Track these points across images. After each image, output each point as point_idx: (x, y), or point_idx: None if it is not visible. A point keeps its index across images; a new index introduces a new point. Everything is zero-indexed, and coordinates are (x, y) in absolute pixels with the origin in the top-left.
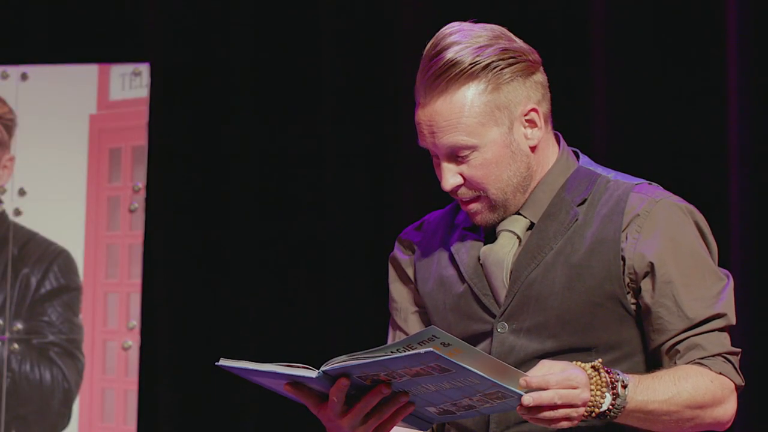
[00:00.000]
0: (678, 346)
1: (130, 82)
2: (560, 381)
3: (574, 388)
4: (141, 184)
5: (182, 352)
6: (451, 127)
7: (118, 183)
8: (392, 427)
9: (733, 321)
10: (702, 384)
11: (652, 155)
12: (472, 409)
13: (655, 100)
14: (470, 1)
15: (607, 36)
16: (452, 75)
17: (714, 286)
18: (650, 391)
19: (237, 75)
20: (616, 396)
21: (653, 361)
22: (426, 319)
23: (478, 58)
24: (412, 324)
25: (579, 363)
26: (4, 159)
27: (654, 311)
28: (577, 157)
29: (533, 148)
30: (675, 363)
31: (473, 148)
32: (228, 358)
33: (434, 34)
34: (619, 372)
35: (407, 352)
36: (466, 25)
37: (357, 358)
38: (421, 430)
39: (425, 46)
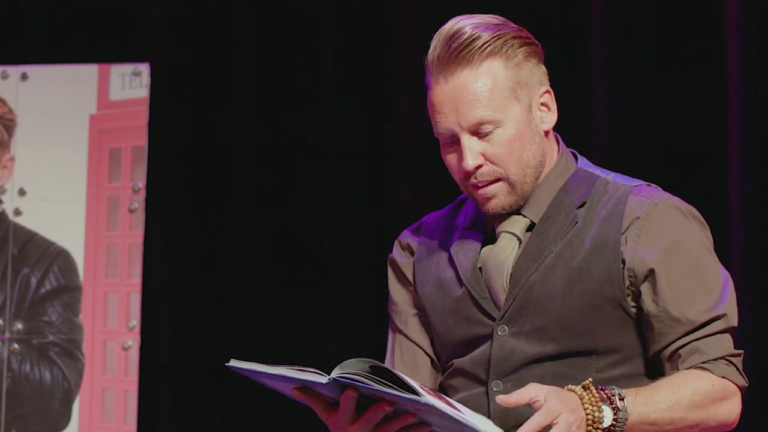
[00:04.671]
0: (680, 351)
1: (130, 82)
2: (539, 421)
3: (556, 418)
4: (141, 184)
5: (182, 352)
6: (477, 102)
7: (118, 183)
8: None
9: (735, 322)
10: (701, 388)
11: (652, 156)
12: None
13: (655, 101)
14: (470, 1)
15: (607, 36)
16: (475, 48)
17: (714, 289)
18: (650, 401)
19: (237, 75)
20: (617, 410)
21: (654, 365)
22: (426, 321)
23: (498, 33)
24: (413, 326)
25: (570, 387)
26: (4, 159)
27: (654, 315)
28: (576, 158)
29: (546, 134)
30: (677, 368)
31: (498, 123)
32: (231, 358)
33: (436, 31)
34: (614, 387)
35: (410, 396)
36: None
37: (365, 378)
38: None
39: (427, 42)
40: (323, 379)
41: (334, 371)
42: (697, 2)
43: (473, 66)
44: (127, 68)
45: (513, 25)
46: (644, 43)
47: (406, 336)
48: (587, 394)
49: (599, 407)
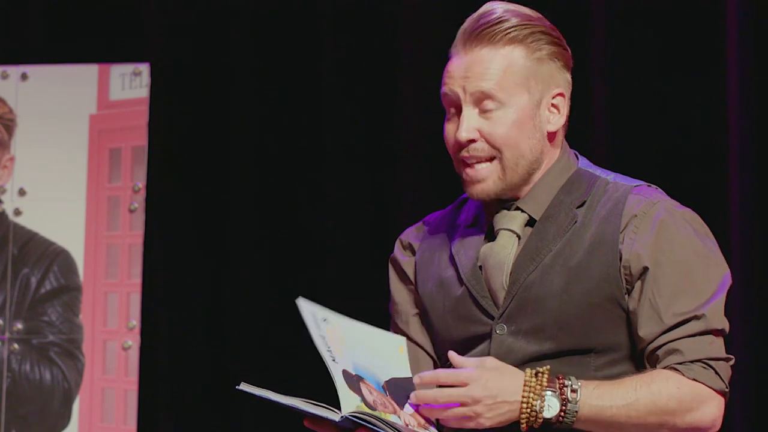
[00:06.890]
0: (658, 351)
1: (130, 82)
2: (448, 376)
3: (463, 385)
4: (141, 184)
5: (182, 352)
6: (486, 75)
7: (118, 183)
8: None
9: (717, 325)
10: (665, 390)
11: (652, 156)
12: None
13: (656, 101)
14: (470, 2)
15: (608, 37)
16: (499, 30)
17: (703, 292)
18: (607, 396)
19: (237, 74)
20: (566, 401)
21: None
22: (427, 321)
23: (526, 23)
24: (414, 326)
25: (530, 370)
26: (4, 159)
27: (637, 313)
28: (577, 158)
29: (550, 136)
30: (655, 368)
31: (500, 102)
32: (241, 378)
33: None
34: (570, 378)
35: None
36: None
37: (378, 420)
38: None
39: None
40: (335, 416)
41: (343, 408)
42: (697, 3)
43: (494, 46)
44: (127, 68)
45: (548, 23)
46: (644, 43)
47: (407, 336)
48: (534, 381)
49: (542, 396)
